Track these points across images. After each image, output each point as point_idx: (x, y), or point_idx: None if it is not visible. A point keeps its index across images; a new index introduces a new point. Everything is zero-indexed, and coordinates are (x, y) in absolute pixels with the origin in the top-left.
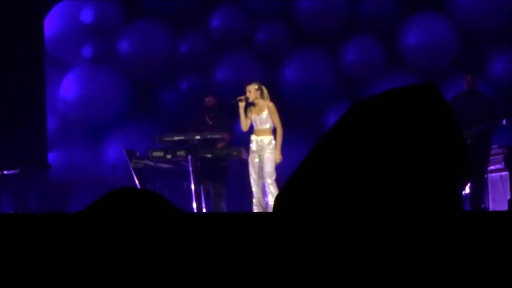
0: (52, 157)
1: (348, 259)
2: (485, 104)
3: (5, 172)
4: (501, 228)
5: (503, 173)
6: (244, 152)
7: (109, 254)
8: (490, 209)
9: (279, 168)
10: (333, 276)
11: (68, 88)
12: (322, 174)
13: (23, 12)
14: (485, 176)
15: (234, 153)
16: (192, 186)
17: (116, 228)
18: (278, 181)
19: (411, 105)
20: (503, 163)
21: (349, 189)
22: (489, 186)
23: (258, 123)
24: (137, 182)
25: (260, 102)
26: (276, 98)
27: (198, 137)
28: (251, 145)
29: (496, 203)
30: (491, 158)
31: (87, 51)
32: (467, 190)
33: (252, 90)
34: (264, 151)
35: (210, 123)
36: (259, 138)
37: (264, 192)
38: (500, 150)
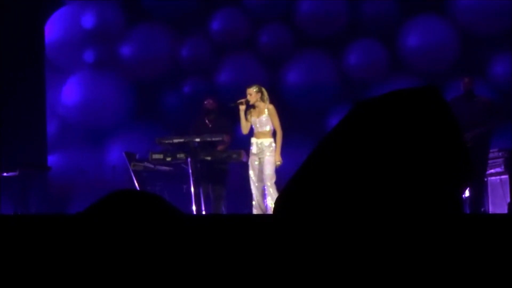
0: (54, 160)
1: (348, 262)
2: (483, 106)
3: (5, 174)
4: (500, 231)
5: (503, 176)
6: (244, 154)
7: (108, 256)
8: (490, 213)
9: (280, 171)
10: (333, 279)
11: (70, 92)
12: (322, 176)
13: (24, 15)
14: (485, 179)
15: (234, 155)
16: (192, 189)
17: (116, 229)
18: (279, 183)
19: (412, 108)
20: (503, 167)
21: (350, 192)
22: (489, 190)
23: (258, 125)
24: (136, 184)
25: (260, 104)
26: (279, 100)
27: (198, 139)
28: (251, 147)
29: (496, 206)
30: (491, 161)
31: (88, 56)
32: (466, 193)
33: (252, 93)
34: (264, 153)
35: (210, 125)
36: (259, 140)
37: (264, 195)
38: (500, 154)
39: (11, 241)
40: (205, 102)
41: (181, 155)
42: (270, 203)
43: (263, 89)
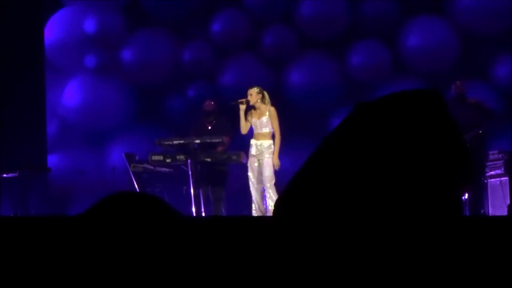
0: (55, 161)
1: (348, 264)
2: (475, 108)
3: (5, 175)
4: (500, 233)
5: (502, 178)
6: (244, 156)
7: (108, 258)
8: (490, 215)
9: (283, 172)
10: (333, 281)
11: (71, 94)
12: (322, 178)
13: (24, 16)
14: (485, 181)
15: (234, 157)
16: (192, 190)
17: (115, 231)
18: (280, 185)
19: (412, 109)
20: (502, 169)
21: (350, 193)
22: (489, 192)
23: (258, 127)
24: (136, 186)
25: (261, 106)
26: (282, 102)
27: (197, 141)
28: (250, 149)
29: (495, 208)
30: (491, 163)
31: (90, 60)
32: (465, 195)
33: (253, 94)
34: (263, 155)
35: (210, 127)
36: (258, 142)
37: (264, 196)
38: (500, 156)
39: (11, 243)
40: (205, 104)
41: (180, 157)
42: (270, 204)
43: (265, 92)
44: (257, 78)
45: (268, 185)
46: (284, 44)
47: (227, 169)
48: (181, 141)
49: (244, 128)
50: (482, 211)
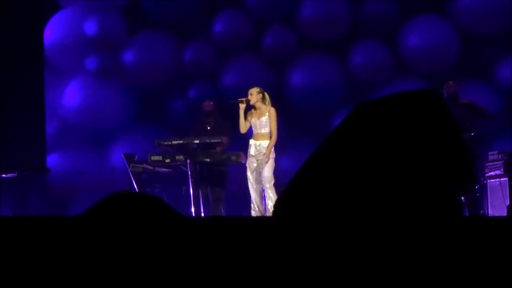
0: (55, 161)
1: (348, 264)
2: (468, 109)
3: (4, 175)
4: (499, 234)
5: (502, 179)
6: (243, 156)
7: (108, 258)
8: (489, 215)
9: (282, 173)
10: (333, 280)
11: (72, 95)
12: (322, 178)
13: (23, 16)
14: (485, 182)
15: (233, 157)
16: (191, 191)
17: (115, 231)
18: (279, 186)
19: (412, 110)
20: (502, 169)
21: (349, 194)
22: (488, 192)
23: (257, 127)
24: (135, 186)
25: (261, 106)
26: (283, 102)
27: (197, 141)
28: (249, 149)
29: (495, 209)
30: (491, 164)
31: (90, 62)
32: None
33: (253, 93)
34: (262, 155)
35: (209, 127)
36: (257, 142)
37: (263, 197)
38: (500, 156)
39: (9, 243)
40: (204, 104)
41: (180, 157)
42: (269, 205)
43: (265, 93)
44: (258, 78)
45: (267, 185)
46: (286, 45)
47: (226, 169)
48: (180, 142)
49: (243, 128)
50: (481, 212)
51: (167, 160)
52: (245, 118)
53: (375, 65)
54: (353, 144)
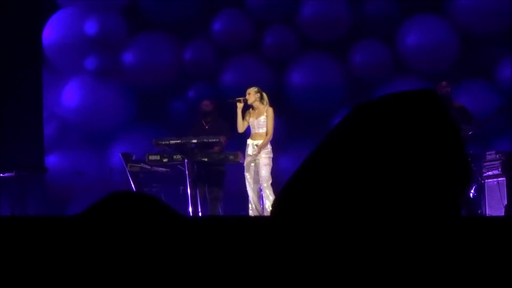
0: (54, 161)
1: (346, 264)
2: (458, 113)
3: (2, 175)
4: (497, 233)
5: (500, 179)
6: (241, 156)
7: (106, 258)
8: (487, 215)
9: (282, 173)
10: (330, 281)
11: (71, 95)
12: (321, 178)
13: (21, 16)
14: (482, 182)
15: (231, 157)
16: (188, 190)
17: (113, 231)
18: (278, 185)
19: (411, 110)
20: (500, 169)
21: (348, 194)
22: (486, 192)
23: (255, 127)
24: (133, 185)
25: (259, 106)
26: (283, 103)
27: (194, 141)
28: (247, 149)
29: (493, 209)
30: (488, 164)
31: (90, 62)
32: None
33: (251, 93)
34: (260, 155)
35: (207, 127)
36: (255, 142)
37: (260, 196)
38: (497, 156)
39: (7, 242)
40: (202, 104)
41: (177, 157)
42: (267, 205)
43: (264, 93)
44: (258, 78)
45: (265, 185)
46: (286, 45)
47: (224, 169)
48: (178, 141)
49: (240, 127)
50: (479, 212)
51: (165, 160)
52: (243, 117)
53: (375, 65)
54: (351, 143)
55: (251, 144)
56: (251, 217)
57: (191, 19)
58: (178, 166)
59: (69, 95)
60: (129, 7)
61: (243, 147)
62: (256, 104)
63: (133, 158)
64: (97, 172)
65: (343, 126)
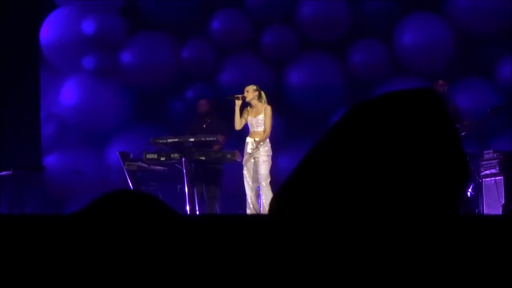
0: (52, 161)
1: (343, 262)
2: (453, 112)
3: None
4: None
5: (497, 178)
6: (239, 154)
7: (103, 256)
8: (484, 214)
9: (281, 172)
10: (328, 280)
11: (69, 94)
12: (319, 176)
13: (19, 14)
14: (480, 180)
15: (228, 156)
16: (186, 189)
17: (111, 229)
18: (277, 185)
19: (409, 109)
20: (497, 168)
21: (346, 192)
22: (484, 191)
23: (254, 125)
24: (130, 184)
25: (257, 104)
26: (282, 102)
27: (192, 139)
28: (246, 147)
29: (490, 208)
30: (486, 163)
31: (88, 62)
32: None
33: (249, 90)
34: (259, 153)
35: (205, 126)
36: (255, 139)
37: (258, 195)
38: (495, 155)
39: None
40: (199, 103)
41: (175, 155)
42: (265, 203)
43: (262, 91)
44: (257, 78)
45: (263, 183)
46: (285, 44)
47: (222, 168)
48: (176, 140)
49: (238, 124)
50: (476, 211)
51: (162, 158)
52: (241, 115)
53: (375, 65)
54: (349, 142)
55: (250, 142)
56: (248, 215)
57: (190, 19)
58: (176, 164)
59: (67, 94)
60: (128, 7)
61: (241, 146)
62: (254, 102)
63: (131, 156)
64: (94, 171)
65: (341, 125)
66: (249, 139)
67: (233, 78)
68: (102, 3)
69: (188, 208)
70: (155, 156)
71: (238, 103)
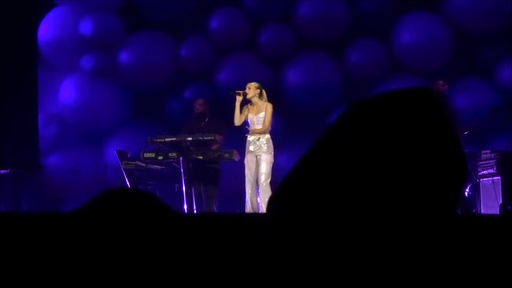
0: (50, 160)
1: (341, 262)
2: (452, 112)
3: None
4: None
5: (495, 178)
6: (237, 154)
7: (101, 254)
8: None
9: (279, 172)
10: (326, 280)
11: (67, 93)
12: (316, 176)
13: (16, 15)
14: (477, 180)
15: (226, 155)
16: (184, 188)
17: (109, 227)
18: (274, 185)
19: (406, 108)
20: (495, 168)
21: (344, 191)
22: (481, 191)
23: (255, 123)
24: (128, 183)
25: (259, 102)
26: (279, 101)
27: (190, 138)
28: (248, 146)
29: (487, 208)
30: (484, 163)
31: (86, 61)
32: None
33: (251, 87)
34: (261, 150)
35: (202, 125)
36: (256, 137)
37: (257, 194)
38: (492, 155)
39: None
40: (196, 102)
41: (173, 154)
42: (263, 202)
43: (264, 90)
44: (255, 77)
45: (263, 183)
46: (282, 44)
47: (219, 167)
48: (173, 139)
49: (237, 120)
50: (474, 211)
51: (160, 157)
52: (240, 111)
53: (372, 64)
54: (347, 142)
55: (252, 140)
56: (246, 214)
57: (187, 18)
58: (173, 164)
59: (65, 94)
60: (125, 6)
61: (238, 145)
62: (255, 99)
63: (128, 155)
64: (92, 170)
65: (339, 124)
66: (250, 137)
67: (231, 77)
68: (100, 2)
69: (185, 207)
70: (153, 155)
71: (239, 99)
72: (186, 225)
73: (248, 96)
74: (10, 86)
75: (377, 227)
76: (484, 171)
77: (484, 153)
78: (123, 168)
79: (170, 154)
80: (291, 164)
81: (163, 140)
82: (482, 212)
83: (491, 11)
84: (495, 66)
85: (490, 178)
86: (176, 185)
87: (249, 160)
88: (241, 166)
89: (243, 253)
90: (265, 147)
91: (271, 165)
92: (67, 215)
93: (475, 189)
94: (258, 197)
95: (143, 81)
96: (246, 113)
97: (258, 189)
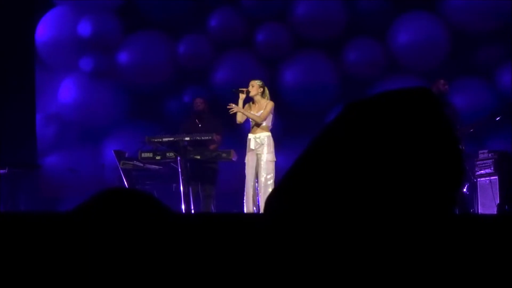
0: (48, 160)
1: (338, 262)
2: (452, 112)
3: None
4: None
5: (492, 177)
6: (234, 154)
7: (98, 255)
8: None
9: (277, 172)
10: (324, 279)
11: (66, 93)
12: (313, 176)
13: (15, 15)
14: (475, 180)
15: (224, 155)
16: (181, 188)
17: (106, 227)
18: (276, 183)
19: (404, 108)
20: (492, 168)
21: (341, 191)
22: (478, 191)
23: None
24: (125, 183)
25: (261, 100)
26: (277, 101)
27: (187, 138)
28: (249, 144)
29: (485, 207)
30: (481, 163)
31: (84, 61)
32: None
33: (255, 85)
34: (263, 147)
35: (200, 125)
36: (257, 135)
37: (257, 193)
38: (490, 155)
39: None
40: (195, 102)
41: (170, 154)
42: (262, 202)
43: (266, 88)
44: (252, 76)
45: (268, 182)
46: (279, 43)
47: (217, 166)
48: (171, 139)
49: (239, 116)
50: (471, 211)
51: (158, 157)
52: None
53: (369, 63)
54: (343, 142)
55: (253, 138)
56: (243, 214)
57: (185, 17)
58: (171, 163)
59: (63, 93)
60: (124, 6)
61: (236, 145)
62: (258, 98)
63: (126, 155)
64: (90, 170)
65: (336, 125)
66: (251, 136)
67: (228, 76)
68: (99, 3)
69: (183, 207)
70: (151, 155)
71: (242, 96)
72: (184, 225)
73: (250, 94)
74: (8, 86)
75: (375, 227)
76: (482, 171)
77: (481, 153)
78: (121, 168)
79: (167, 154)
80: (288, 164)
81: (160, 140)
82: (479, 212)
83: (490, 11)
84: (494, 67)
85: (488, 178)
86: (174, 185)
87: (249, 159)
88: (238, 166)
89: (241, 253)
90: (266, 145)
91: (273, 164)
92: (64, 215)
93: (473, 189)
94: (258, 196)
95: (142, 81)
96: (248, 111)
97: (257, 188)
